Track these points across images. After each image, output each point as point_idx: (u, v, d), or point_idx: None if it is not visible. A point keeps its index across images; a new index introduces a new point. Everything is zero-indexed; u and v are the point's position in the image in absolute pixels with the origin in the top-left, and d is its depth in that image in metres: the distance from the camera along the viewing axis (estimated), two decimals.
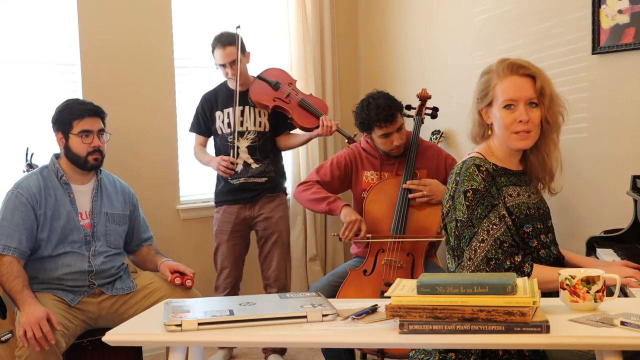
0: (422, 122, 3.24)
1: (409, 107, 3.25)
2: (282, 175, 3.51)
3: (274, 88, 3.39)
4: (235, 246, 3.44)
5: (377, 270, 2.83)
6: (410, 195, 2.89)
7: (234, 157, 3.30)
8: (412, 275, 2.79)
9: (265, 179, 3.38)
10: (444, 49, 3.80)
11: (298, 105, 3.37)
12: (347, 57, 4.38)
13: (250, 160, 3.36)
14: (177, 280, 2.69)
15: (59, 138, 2.69)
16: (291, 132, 3.51)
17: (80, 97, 3.35)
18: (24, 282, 2.47)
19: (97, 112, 2.72)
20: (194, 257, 3.63)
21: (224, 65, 3.31)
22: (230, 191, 3.39)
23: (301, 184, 3.12)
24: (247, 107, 3.37)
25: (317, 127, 3.32)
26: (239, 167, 3.34)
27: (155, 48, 3.62)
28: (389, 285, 2.74)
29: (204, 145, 3.49)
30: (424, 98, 3.37)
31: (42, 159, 2.94)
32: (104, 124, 2.74)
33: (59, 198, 2.63)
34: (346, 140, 3.45)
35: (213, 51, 3.34)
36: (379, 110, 2.86)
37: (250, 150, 3.36)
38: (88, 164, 2.68)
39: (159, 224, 3.50)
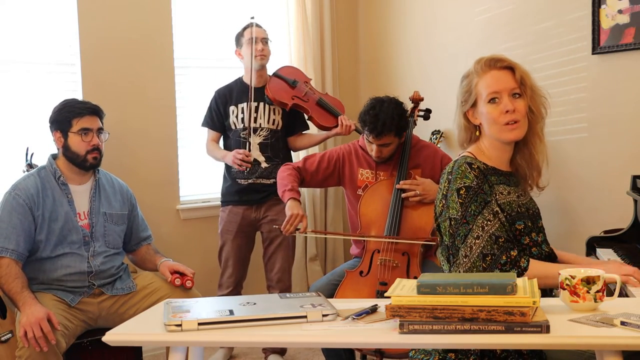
0: (415, 124, 3.26)
1: None
2: None
3: (291, 86, 3.38)
4: (240, 246, 3.43)
5: (372, 270, 2.84)
6: (403, 195, 2.89)
7: (248, 151, 3.28)
8: (408, 275, 2.79)
9: (273, 180, 3.35)
10: (444, 49, 3.80)
11: (316, 104, 3.37)
12: (347, 57, 4.38)
13: (261, 158, 3.34)
14: (177, 282, 2.69)
15: (57, 137, 2.68)
16: (304, 132, 3.51)
17: (80, 97, 3.35)
18: (23, 283, 2.47)
19: (96, 111, 2.71)
20: (194, 257, 3.63)
21: (255, 41, 3.26)
22: (237, 191, 3.38)
23: (286, 164, 3.13)
24: (261, 104, 3.34)
25: (335, 126, 3.33)
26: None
27: (155, 48, 3.62)
28: (384, 284, 2.76)
29: (217, 141, 3.46)
30: (416, 100, 3.39)
31: (42, 159, 2.94)
32: (102, 123, 2.73)
33: (57, 199, 2.63)
34: None
35: (243, 31, 3.32)
36: (374, 120, 2.86)
37: (262, 147, 3.34)
38: (87, 163, 2.67)
39: (159, 224, 3.50)
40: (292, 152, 3.54)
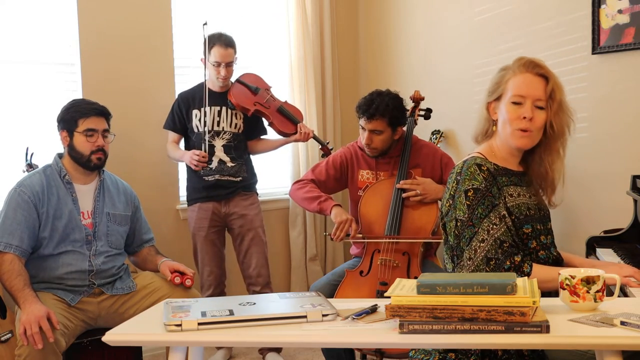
0: (416, 124, 3.26)
1: None
2: (253, 176, 3.53)
3: (253, 93, 3.43)
4: (214, 242, 3.45)
5: (373, 270, 2.83)
6: (403, 195, 2.89)
7: (205, 152, 3.32)
8: (408, 275, 2.79)
9: (240, 177, 3.41)
10: (444, 49, 3.80)
11: (277, 111, 3.45)
12: (347, 57, 4.38)
13: (226, 158, 3.38)
14: (177, 280, 2.69)
15: (63, 136, 2.70)
16: (262, 137, 3.56)
17: (80, 96, 3.35)
18: (25, 281, 2.47)
19: (103, 112, 2.74)
20: (193, 257, 3.62)
21: (218, 64, 3.32)
22: (204, 187, 3.40)
23: (296, 182, 3.13)
24: (224, 108, 3.40)
25: (295, 133, 3.42)
26: (214, 164, 3.36)
27: (155, 48, 3.62)
28: (384, 284, 2.76)
29: (178, 142, 3.50)
30: (417, 100, 3.39)
31: (42, 159, 2.94)
32: (108, 124, 2.76)
33: (62, 197, 2.64)
34: (319, 147, 3.53)
35: (211, 48, 3.34)
36: (367, 102, 2.92)
37: (226, 149, 3.39)
38: (91, 163, 2.69)
39: (158, 224, 3.50)
40: (288, 150, 3.57)
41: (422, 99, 3.41)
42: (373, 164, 3.05)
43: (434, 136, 3.72)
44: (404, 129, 3.08)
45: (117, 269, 2.74)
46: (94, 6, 3.42)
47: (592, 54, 2.97)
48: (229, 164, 3.38)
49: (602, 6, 2.90)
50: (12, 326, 2.50)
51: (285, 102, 3.59)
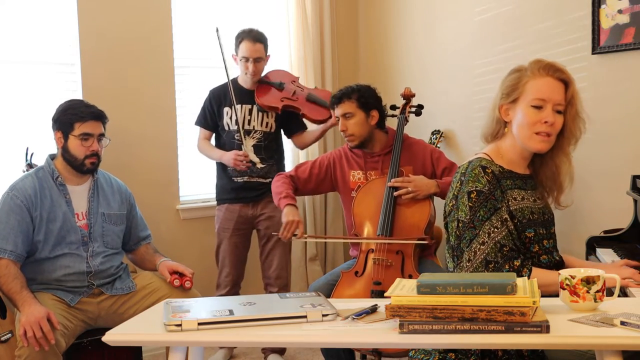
0: (407, 121, 3.25)
1: (393, 107, 3.27)
2: None
3: (279, 89, 3.40)
4: (237, 244, 3.44)
5: (367, 270, 2.83)
6: (395, 193, 2.89)
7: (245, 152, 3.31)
8: (402, 274, 2.78)
9: (270, 179, 3.37)
10: (444, 49, 3.80)
11: (306, 100, 3.41)
12: (347, 57, 4.38)
13: (256, 159, 3.36)
14: (176, 282, 2.69)
15: (58, 137, 2.68)
16: (303, 130, 3.53)
17: (80, 97, 3.35)
18: (22, 283, 2.47)
19: (99, 117, 2.71)
20: (193, 257, 3.63)
21: (246, 60, 3.30)
22: (233, 189, 3.39)
23: (277, 174, 3.15)
24: (254, 107, 3.37)
25: (330, 117, 3.36)
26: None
27: (155, 48, 3.62)
28: (378, 283, 2.75)
29: (209, 139, 3.49)
30: (407, 96, 3.38)
31: (42, 159, 2.93)
32: (104, 128, 2.74)
33: (55, 199, 2.62)
34: None
35: (239, 43, 3.32)
36: (335, 94, 3.04)
37: (256, 149, 3.37)
38: (84, 167, 2.67)
39: (159, 224, 3.50)
40: (291, 151, 3.54)
41: (413, 95, 3.39)
42: (362, 164, 3.05)
43: (434, 136, 3.71)
44: (391, 126, 3.08)
45: (115, 268, 2.74)
46: (94, 6, 3.42)
47: (592, 54, 2.97)
48: (259, 165, 3.37)
49: (602, 6, 2.90)
50: (12, 326, 2.49)
51: (315, 87, 3.57)
